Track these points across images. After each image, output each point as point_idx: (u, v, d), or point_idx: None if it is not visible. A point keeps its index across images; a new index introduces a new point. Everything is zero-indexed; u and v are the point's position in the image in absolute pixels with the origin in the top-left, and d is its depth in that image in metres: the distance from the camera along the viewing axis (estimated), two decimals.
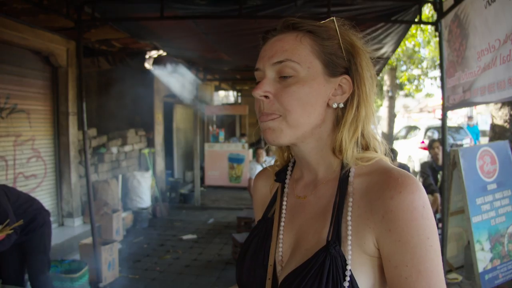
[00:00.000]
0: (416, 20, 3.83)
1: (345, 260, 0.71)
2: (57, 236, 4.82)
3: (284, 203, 0.88)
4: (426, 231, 0.68)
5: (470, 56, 2.66)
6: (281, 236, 0.85)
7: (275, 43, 0.78)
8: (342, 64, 0.78)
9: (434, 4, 3.30)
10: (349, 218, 0.74)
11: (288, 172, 0.92)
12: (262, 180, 1.01)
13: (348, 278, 0.69)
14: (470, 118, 12.84)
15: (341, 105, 0.78)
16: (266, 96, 0.77)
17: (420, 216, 0.68)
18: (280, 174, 0.93)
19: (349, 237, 0.72)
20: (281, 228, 0.86)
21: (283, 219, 0.87)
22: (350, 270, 0.70)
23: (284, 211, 0.87)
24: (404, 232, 0.67)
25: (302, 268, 0.74)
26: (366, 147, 0.82)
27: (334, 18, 0.80)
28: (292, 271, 0.76)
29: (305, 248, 0.78)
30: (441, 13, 3.21)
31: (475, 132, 11.71)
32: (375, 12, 3.77)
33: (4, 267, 2.99)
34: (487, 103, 2.61)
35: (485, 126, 15.10)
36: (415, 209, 0.68)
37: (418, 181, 0.71)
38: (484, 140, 12.89)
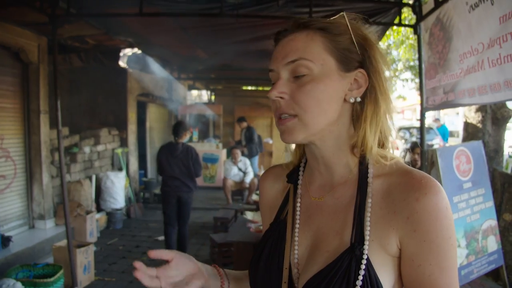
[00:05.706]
0: (395, 22, 3.91)
1: (370, 262, 0.71)
2: (28, 239, 4.62)
3: (298, 204, 0.87)
4: (449, 231, 0.70)
5: (453, 59, 2.73)
6: (296, 238, 0.83)
7: (287, 43, 0.78)
8: (356, 59, 0.77)
9: (413, 7, 3.37)
10: (370, 219, 0.74)
11: (300, 173, 0.90)
12: (269, 181, 0.98)
13: (374, 279, 0.70)
14: (436, 120, 13.59)
15: (358, 99, 0.78)
16: (282, 97, 0.77)
17: (444, 216, 0.70)
18: (292, 175, 0.90)
19: (372, 238, 0.73)
20: (296, 230, 0.84)
21: (297, 221, 0.85)
22: (375, 271, 0.70)
23: (298, 212, 0.86)
24: (430, 233, 0.69)
25: (328, 271, 0.73)
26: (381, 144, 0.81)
27: (344, 13, 0.79)
28: (316, 274, 0.75)
29: (326, 250, 0.77)
30: (420, 16, 3.29)
31: (442, 132, 12.16)
32: (355, 13, 3.81)
33: (169, 211, 4.62)
34: (476, 104, 2.67)
35: (451, 127, 15.74)
36: (440, 210, 0.69)
37: (438, 182, 0.72)
38: (451, 140, 13.48)
